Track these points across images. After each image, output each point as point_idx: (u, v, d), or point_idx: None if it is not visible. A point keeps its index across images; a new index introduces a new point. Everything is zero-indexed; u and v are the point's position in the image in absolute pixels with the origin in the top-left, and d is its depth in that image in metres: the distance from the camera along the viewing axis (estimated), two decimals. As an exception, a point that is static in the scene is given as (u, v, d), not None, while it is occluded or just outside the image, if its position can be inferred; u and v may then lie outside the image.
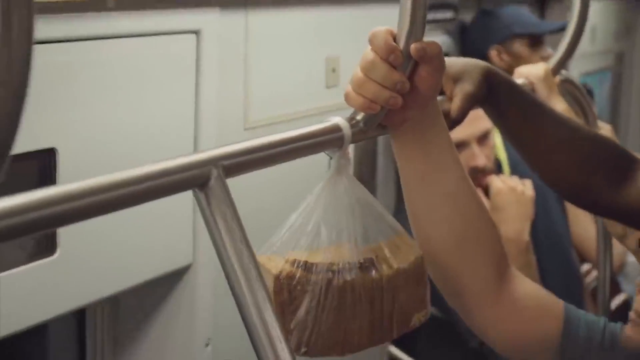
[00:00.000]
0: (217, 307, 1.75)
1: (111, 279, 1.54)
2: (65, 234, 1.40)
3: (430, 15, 2.49)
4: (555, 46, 1.97)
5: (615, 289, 2.66)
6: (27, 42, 0.63)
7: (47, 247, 1.40)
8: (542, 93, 1.81)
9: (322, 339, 0.97)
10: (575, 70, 3.43)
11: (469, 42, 3.01)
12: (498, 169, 2.43)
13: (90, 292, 1.51)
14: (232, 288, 0.85)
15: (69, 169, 1.40)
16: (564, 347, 1.17)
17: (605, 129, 1.99)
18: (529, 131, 1.25)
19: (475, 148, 2.30)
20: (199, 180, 0.85)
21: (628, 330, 1.10)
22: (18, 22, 0.63)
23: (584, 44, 1.93)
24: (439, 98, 1.13)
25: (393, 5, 1.07)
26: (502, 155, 2.49)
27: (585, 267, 2.78)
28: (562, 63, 1.87)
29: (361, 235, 1.02)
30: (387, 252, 1.03)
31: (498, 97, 1.22)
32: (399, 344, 2.38)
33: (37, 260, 1.38)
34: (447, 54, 1.08)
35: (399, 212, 1.08)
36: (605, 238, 2.07)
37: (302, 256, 0.98)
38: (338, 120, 1.02)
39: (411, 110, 1.06)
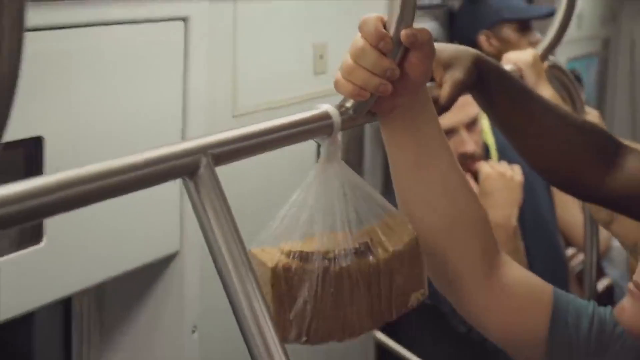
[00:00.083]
0: (204, 294, 1.75)
1: (98, 267, 1.54)
2: (52, 223, 1.39)
3: (419, 2, 2.49)
4: (543, 31, 1.97)
5: (600, 274, 2.67)
6: (18, 31, 0.62)
7: (33, 235, 1.39)
8: (530, 79, 1.81)
9: (322, 327, 0.98)
10: (562, 56, 3.44)
11: (457, 28, 3.00)
12: (486, 153, 2.44)
13: (77, 281, 1.50)
14: (221, 276, 0.85)
15: (56, 157, 1.39)
16: (553, 331, 1.17)
17: (592, 115, 1.99)
18: (518, 118, 1.25)
19: (463, 134, 2.30)
20: (188, 168, 0.84)
21: (624, 302, 1.09)
22: (9, 11, 0.62)
23: (571, 29, 1.93)
24: (428, 84, 1.13)
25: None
26: (490, 140, 2.49)
27: (570, 251, 2.80)
28: (551, 49, 1.87)
29: (354, 219, 1.02)
30: (380, 234, 1.03)
31: (487, 84, 1.22)
32: (386, 330, 2.38)
33: (24, 248, 1.37)
34: (435, 40, 1.08)
35: (387, 198, 1.08)
36: (592, 223, 2.08)
37: (297, 246, 0.98)
38: (327, 107, 1.02)
39: (401, 97, 1.06)
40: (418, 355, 2.34)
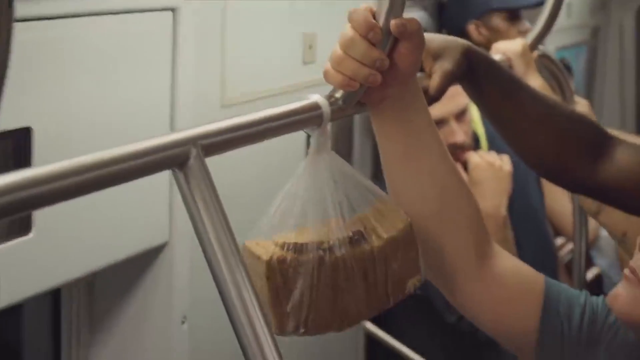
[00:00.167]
0: (194, 284, 1.75)
1: (87, 258, 1.53)
2: (40, 214, 1.38)
3: (407, -9, 2.48)
4: (532, 20, 1.97)
5: (588, 263, 2.68)
6: (7, 21, 0.62)
7: (22, 226, 1.38)
8: (519, 69, 1.81)
9: (319, 317, 0.98)
10: (551, 45, 3.44)
11: (446, 17, 3.00)
12: (476, 143, 2.44)
13: (66, 271, 1.50)
14: (210, 267, 0.85)
15: (45, 148, 1.38)
16: (544, 321, 1.17)
17: (582, 104, 1.99)
18: (507, 109, 1.25)
19: (453, 125, 2.30)
20: (178, 159, 0.84)
21: (618, 289, 1.09)
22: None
23: (560, 18, 1.92)
24: (418, 75, 1.13)
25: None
26: (480, 130, 2.49)
27: (559, 240, 2.80)
28: (540, 38, 1.87)
29: (346, 207, 1.02)
30: (373, 221, 1.03)
31: (477, 75, 1.22)
32: (375, 320, 2.38)
33: (12, 239, 1.37)
34: (425, 31, 1.07)
35: (376, 188, 1.08)
36: (581, 213, 2.08)
37: (290, 238, 0.97)
38: (317, 98, 1.02)
39: (391, 88, 1.06)
40: (408, 345, 2.35)
